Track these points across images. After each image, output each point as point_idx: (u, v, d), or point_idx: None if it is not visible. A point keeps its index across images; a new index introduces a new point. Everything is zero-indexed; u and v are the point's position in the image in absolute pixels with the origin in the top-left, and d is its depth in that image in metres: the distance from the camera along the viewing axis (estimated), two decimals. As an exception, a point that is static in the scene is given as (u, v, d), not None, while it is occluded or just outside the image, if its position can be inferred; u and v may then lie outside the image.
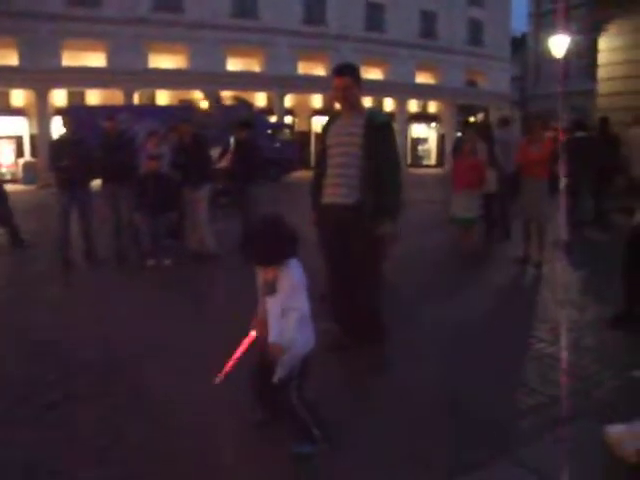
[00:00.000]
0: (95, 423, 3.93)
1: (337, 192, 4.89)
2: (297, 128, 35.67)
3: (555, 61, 23.50)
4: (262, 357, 3.45)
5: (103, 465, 3.43)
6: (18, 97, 31.67)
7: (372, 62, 38.37)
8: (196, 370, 4.74)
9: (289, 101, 37.35)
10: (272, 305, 3.37)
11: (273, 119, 33.11)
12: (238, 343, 3.41)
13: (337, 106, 5.21)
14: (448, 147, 33.68)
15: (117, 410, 4.12)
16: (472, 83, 45.81)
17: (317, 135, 31.90)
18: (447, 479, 3.26)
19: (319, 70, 37.73)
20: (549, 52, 22.78)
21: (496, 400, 4.25)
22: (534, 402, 4.22)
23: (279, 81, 34.68)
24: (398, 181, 4.96)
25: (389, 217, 4.80)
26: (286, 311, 3.30)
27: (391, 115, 36.34)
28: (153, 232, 8.80)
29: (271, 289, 3.35)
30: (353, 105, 4.99)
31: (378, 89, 36.70)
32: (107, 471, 3.37)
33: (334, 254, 4.99)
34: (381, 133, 4.88)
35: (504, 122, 11.56)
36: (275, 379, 3.33)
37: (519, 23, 55.18)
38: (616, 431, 3.49)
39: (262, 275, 3.41)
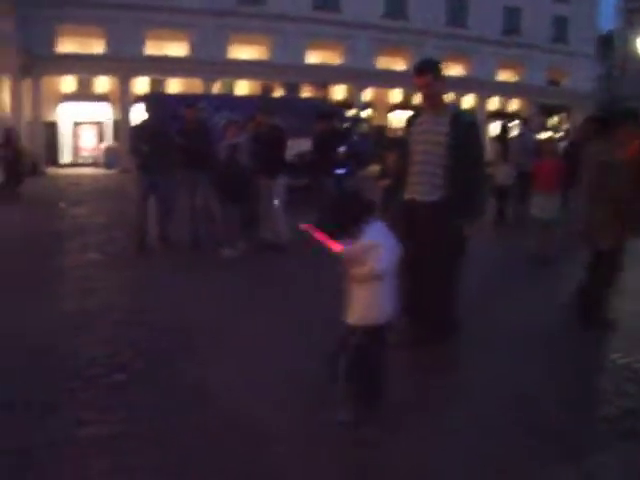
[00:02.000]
0: (157, 407, 3.99)
1: (420, 189, 4.87)
2: (375, 122, 35.49)
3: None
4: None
5: (161, 448, 3.48)
6: (102, 84, 32.62)
7: (453, 58, 37.84)
8: (261, 359, 4.78)
9: (368, 95, 37.22)
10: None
11: (351, 113, 33.04)
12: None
13: (419, 102, 5.16)
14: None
15: (178, 397, 4.17)
16: (555, 82, 44.56)
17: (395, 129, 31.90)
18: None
19: (399, 65, 37.44)
20: (637, 50, 21.96)
21: (565, 408, 4.11)
22: (604, 413, 4.07)
23: (358, 75, 34.54)
24: (482, 181, 4.91)
25: (473, 216, 4.79)
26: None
27: (472, 114, 35.79)
28: (229, 221, 8.86)
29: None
30: (436, 102, 4.94)
31: (459, 85, 36.18)
32: (165, 455, 3.41)
33: (411, 248, 4.92)
34: (468, 132, 4.84)
35: (525, 123, 13.61)
36: (355, 341, 3.43)
37: (606, 20, 53.32)
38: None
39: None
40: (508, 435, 3.70)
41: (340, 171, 10.55)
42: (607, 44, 46.68)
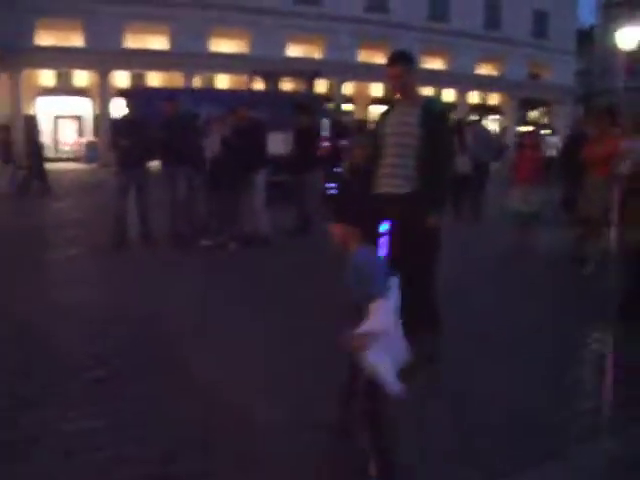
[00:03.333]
0: (142, 400, 3.97)
1: (392, 182, 4.83)
2: (355, 116, 35.52)
3: (623, 55, 22.85)
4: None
5: (148, 439, 3.47)
6: (81, 78, 32.37)
7: (434, 52, 37.99)
8: (242, 351, 4.78)
9: (348, 89, 37.22)
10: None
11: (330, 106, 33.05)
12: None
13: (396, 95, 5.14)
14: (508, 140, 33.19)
15: (160, 387, 4.17)
16: (535, 76, 44.84)
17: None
18: (494, 478, 3.17)
19: (380, 59, 37.44)
20: (617, 45, 22.16)
21: (550, 401, 4.14)
22: (592, 406, 4.08)
23: (339, 68, 34.52)
24: (448, 173, 4.93)
25: (437, 208, 4.76)
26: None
27: (452, 106, 35.93)
28: (218, 214, 8.89)
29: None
30: (408, 94, 4.91)
31: (439, 79, 36.30)
32: (153, 445, 3.40)
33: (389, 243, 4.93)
34: (438, 123, 4.82)
35: (480, 118, 16.21)
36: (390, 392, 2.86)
37: (586, 15, 53.82)
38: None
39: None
40: (491, 427, 3.71)
41: (331, 187, 10.61)
42: (587, 39, 47.02)
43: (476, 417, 3.82)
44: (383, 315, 2.75)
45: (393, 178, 4.83)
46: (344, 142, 12.74)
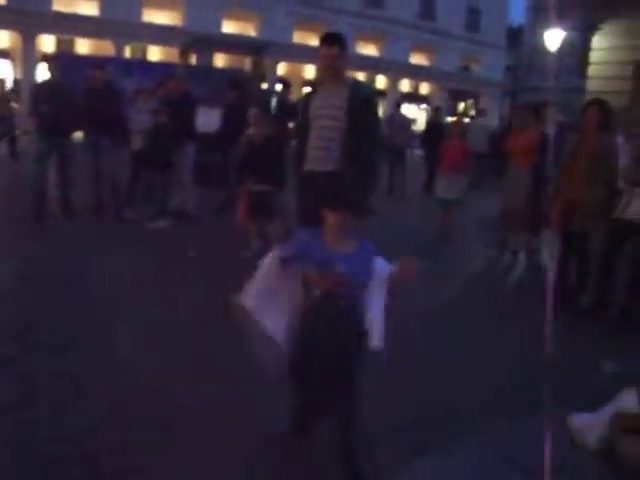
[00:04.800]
0: (57, 376, 3.90)
1: (318, 159, 4.89)
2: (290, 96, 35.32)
3: (549, 55, 23.49)
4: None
5: (64, 417, 3.41)
6: (2, 39, 30.96)
7: (368, 38, 38.13)
8: (164, 329, 4.76)
9: (282, 69, 37.02)
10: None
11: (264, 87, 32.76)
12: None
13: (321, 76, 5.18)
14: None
15: (80, 365, 4.09)
16: (466, 68, 45.72)
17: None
18: (406, 460, 3.26)
19: (314, 41, 37.35)
20: (543, 46, 22.81)
21: (463, 383, 4.28)
22: (503, 386, 4.26)
23: (273, 48, 34.13)
24: (377, 155, 5.03)
25: (370, 189, 4.85)
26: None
27: (383, 93, 36.21)
28: (146, 187, 8.76)
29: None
30: (338, 76, 4.95)
31: (372, 66, 36.51)
32: (69, 423, 3.35)
33: (313, 219, 4.97)
34: (365, 106, 4.88)
35: (398, 105, 16.95)
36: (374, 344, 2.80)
37: (517, 14, 55.20)
38: (580, 420, 3.55)
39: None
40: (400, 409, 3.83)
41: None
42: (516, 37, 48.17)
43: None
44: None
45: (318, 155, 4.89)
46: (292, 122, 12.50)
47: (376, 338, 2.79)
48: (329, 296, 2.76)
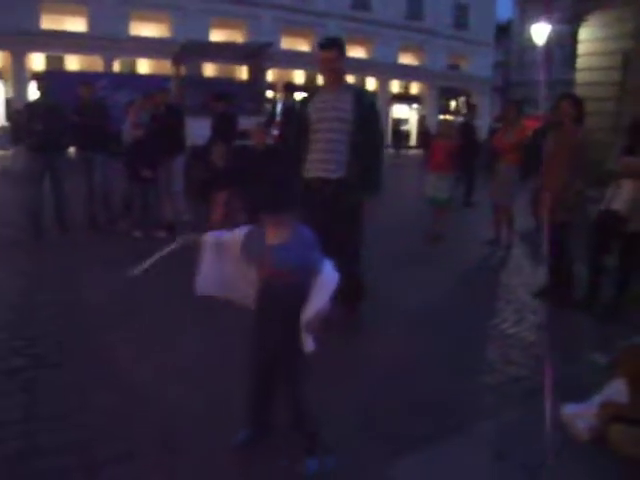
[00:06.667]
0: (58, 389, 3.94)
1: (325, 167, 4.92)
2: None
3: (538, 49, 23.55)
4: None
5: (65, 429, 3.45)
6: (-7, 59, 31.07)
7: (356, 41, 38.16)
8: (165, 341, 4.80)
9: (271, 75, 37.08)
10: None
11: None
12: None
13: (319, 81, 5.24)
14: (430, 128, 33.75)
15: (80, 377, 4.13)
16: (455, 66, 45.83)
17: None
18: (399, 452, 3.31)
19: (303, 46, 37.45)
20: (532, 39, 22.90)
21: (455, 378, 4.33)
22: (493, 381, 4.31)
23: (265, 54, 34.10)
24: (382, 159, 5.09)
25: (372, 192, 4.97)
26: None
27: (374, 94, 36.27)
28: (146, 200, 8.86)
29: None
30: (339, 80, 5.01)
31: (361, 68, 36.58)
32: (69, 435, 3.39)
33: (318, 224, 4.98)
34: (369, 112, 4.96)
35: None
36: (306, 348, 2.95)
37: (504, 9, 55.33)
38: (570, 410, 3.60)
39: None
40: (397, 402, 3.86)
41: None
42: (505, 33, 48.30)
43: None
44: (326, 290, 2.89)
45: (325, 163, 4.92)
46: None
47: (306, 343, 2.95)
48: (268, 283, 3.03)
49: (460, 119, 19.10)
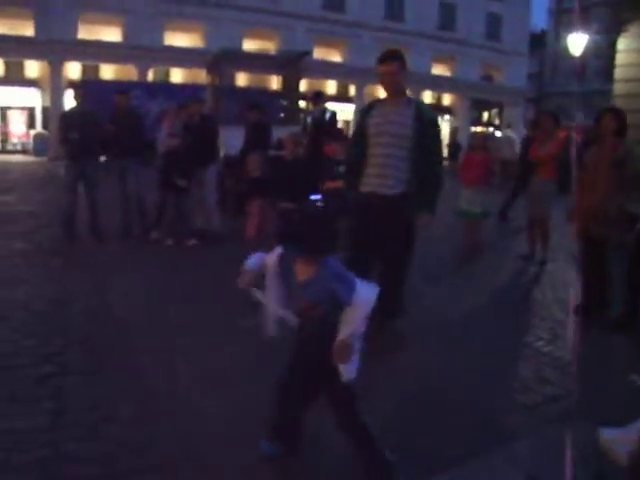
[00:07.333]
0: (86, 398, 3.93)
1: (383, 182, 4.87)
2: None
3: (573, 59, 23.34)
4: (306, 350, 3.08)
5: (90, 438, 3.43)
6: (32, 68, 31.59)
7: (389, 51, 38.05)
8: (194, 352, 4.77)
9: (304, 86, 37.24)
10: None
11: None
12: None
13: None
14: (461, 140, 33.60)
15: (108, 386, 4.12)
16: (488, 78, 45.48)
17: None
18: (431, 472, 3.23)
19: (335, 57, 37.51)
20: (567, 50, 22.65)
21: (489, 396, 4.24)
22: (528, 400, 4.21)
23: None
24: (442, 177, 5.02)
25: (430, 211, 4.92)
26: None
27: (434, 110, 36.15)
28: (179, 209, 8.88)
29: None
30: (399, 93, 4.95)
31: (394, 79, 36.47)
32: (94, 444, 3.37)
33: (371, 239, 4.97)
34: (431, 129, 4.90)
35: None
36: (344, 377, 2.85)
37: (539, 19, 54.97)
38: (610, 435, 3.48)
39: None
40: (431, 419, 3.79)
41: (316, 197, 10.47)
42: (539, 43, 47.90)
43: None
44: (360, 314, 2.78)
45: (382, 178, 4.87)
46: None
47: (345, 371, 2.86)
48: (303, 316, 2.97)
49: (492, 130, 19.17)
